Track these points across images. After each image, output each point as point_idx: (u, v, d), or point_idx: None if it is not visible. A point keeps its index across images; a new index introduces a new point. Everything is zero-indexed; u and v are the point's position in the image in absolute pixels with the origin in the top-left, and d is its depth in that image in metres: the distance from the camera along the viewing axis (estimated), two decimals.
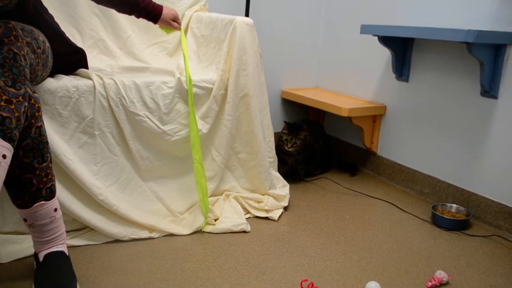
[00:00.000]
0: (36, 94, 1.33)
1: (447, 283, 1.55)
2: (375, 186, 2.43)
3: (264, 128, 2.09)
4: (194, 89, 1.90)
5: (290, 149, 2.38)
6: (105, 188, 1.74)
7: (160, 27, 2.01)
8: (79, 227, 1.75)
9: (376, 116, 2.57)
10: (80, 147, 1.71)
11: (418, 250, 1.77)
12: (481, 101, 2.01)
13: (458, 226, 1.95)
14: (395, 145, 2.48)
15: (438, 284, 1.52)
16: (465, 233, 1.93)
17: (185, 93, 1.88)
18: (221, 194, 2.04)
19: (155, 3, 1.91)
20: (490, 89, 1.94)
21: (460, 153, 2.12)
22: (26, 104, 1.26)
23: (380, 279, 1.54)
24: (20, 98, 1.24)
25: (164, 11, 1.93)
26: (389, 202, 2.22)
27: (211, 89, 1.94)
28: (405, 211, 2.12)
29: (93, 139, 1.73)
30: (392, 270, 1.61)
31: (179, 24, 2.02)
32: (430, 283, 1.52)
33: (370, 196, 2.28)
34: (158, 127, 1.82)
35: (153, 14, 1.91)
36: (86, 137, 1.72)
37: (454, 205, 2.08)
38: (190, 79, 1.86)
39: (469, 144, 2.08)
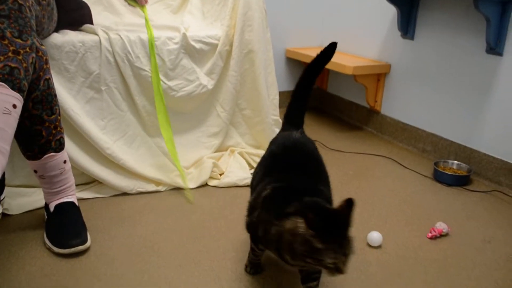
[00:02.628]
0: (43, 47, 1.34)
1: (446, 235, 1.59)
2: (378, 144, 2.46)
3: (268, 85, 2.10)
4: (199, 45, 1.90)
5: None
6: (112, 142, 1.77)
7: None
8: (87, 180, 1.79)
9: (380, 75, 2.57)
10: (87, 102, 1.73)
11: (420, 204, 1.81)
12: (486, 58, 2.00)
13: (459, 181, 1.99)
14: (398, 104, 2.49)
15: (438, 235, 1.56)
16: (466, 188, 1.96)
17: (191, 49, 1.88)
18: (226, 150, 2.07)
19: None
20: (495, 46, 1.93)
21: (463, 110, 2.13)
22: (34, 55, 1.27)
23: (382, 230, 1.58)
24: (27, 49, 1.24)
25: None
26: (392, 159, 2.25)
27: (216, 45, 1.94)
28: (407, 168, 2.15)
29: (100, 94, 1.75)
30: (393, 222, 1.66)
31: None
32: (430, 234, 1.56)
33: (373, 154, 2.31)
34: (163, 83, 1.83)
35: None
36: (92, 92, 1.73)
37: (456, 162, 2.11)
38: (152, 43, 1.81)
39: (472, 101, 2.09)
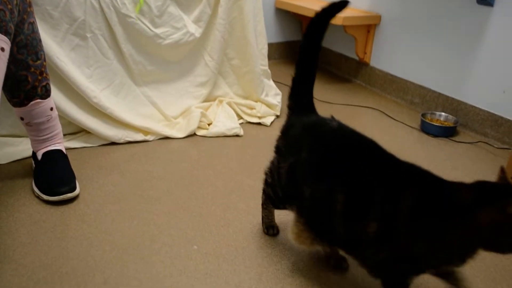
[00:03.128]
0: None
1: None
2: (366, 96, 2.46)
3: (257, 35, 2.07)
4: None
5: None
6: (99, 91, 1.74)
7: None
8: (74, 130, 1.78)
9: (370, 26, 2.54)
10: (72, 50, 1.69)
11: (406, 154, 1.80)
12: (477, 8, 1.98)
13: (446, 133, 2.01)
14: (388, 56, 2.48)
15: None
16: (452, 139, 1.99)
17: None
18: (214, 100, 2.06)
19: None
20: None
21: (452, 62, 2.13)
22: None
23: None
24: None
25: None
26: (380, 111, 2.25)
27: None
28: (395, 119, 2.16)
29: (85, 41, 1.70)
30: None
31: None
32: None
33: (362, 106, 2.31)
34: (150, 30, 1.79)
35: None
36: (78, 39, 1.69)
37: (443, 113, 2.12)
38: None
39: (461, 53, 2.08)
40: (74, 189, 1.40)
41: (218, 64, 2.01)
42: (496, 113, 1.97)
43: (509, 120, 1.92)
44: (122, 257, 1.18)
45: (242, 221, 1.35)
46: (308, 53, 1.12)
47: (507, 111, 1.92)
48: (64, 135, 1.71)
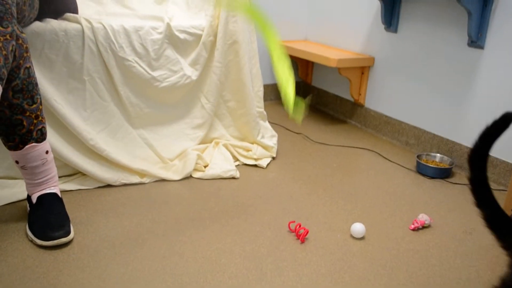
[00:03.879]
0: (23, 34, 1.32)
1: (429, 226, 1.61)
2: (362, 138, 2.48)
3: (253, 77, 2.10)
4: (183, 35, 1.89)
5: None
6: (96, 133, 1.75)
7: None
8: (70, 172, 1.77)
9: (364, 68, 2.58)
10: (69, 92, 1.71)
11: (402, 196, 1.83)
12: (468, 51, 2.02)
13: (441, 174, 2.01)
14: (382, 97, 2.51)
15: (420, 227, 1.58)
16: (448, 181, 1.99)
17: (175, 39, 1.87)
18: (210, 142, 2.06)
19: None
20: (477, 39, 1.96)
21: (445, 104, 2.16)
22: (14, 43, 1.24)
23: (365, 221, 1.60)
24: (8, 36, 1.22)
25: None
26: (375, 152, 2.27)
27: (200, 35, 1.93)
28: (390, 161, 2.17)
29: (83, 84, 1.72)
30: (376, 213, 1.67)
31: None
32: (413, 226, 1.58)
33: (357, 147, 2.32)
34: (147, 73, 1.81)
35: None
36: (75, 82, 1.71)
37: (438, 154, 2.13)
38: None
39: (454, 94, 2.11)
40: (68, 233, 1.38)
41: (214, 106, 2.03)
42: (491, 154, 1.97)
43: (504, 161, 1.93)
44: None
45: (237, 266, 1.33)
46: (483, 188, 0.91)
47: (502, 152, 1.94)
48: (60, 177, 1.70)
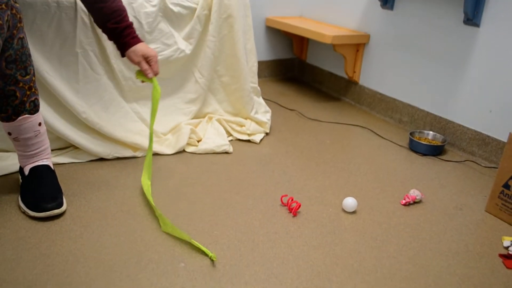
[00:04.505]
0: (17, 4, 1.30)
1: (420, 201, 1.62)
2: (355, 115, 2.48)
3: (247, 52, 2.09)
4: (177, 8, 1.86)
5: None
6: (88, 106, 1.74)
7: (136, 73, 1.60)
8: (63, 145, 1.76)
9: (359, 45, 2.57)
10: (61, 65, 1.69)
11: (394, 172, 1.84)
12: (464, 29, 2.02)
13: (434, 151, 2.02)
14: (376, 75, 2.50)
15: (411, 202, 1.60)
16: (440, 158, 2.00)
17: (169, 13, 1.85)
18: (203, 117, 2.06)
19: (136, 34, 1.54)
20: (473, 17, 1.95)
21: (440, 82, 2.16)
22: (9, 12, 1.23)
23: (357, 196, 1.61)
24: (3, 6, 1.20)
25: (138, 46, 1.52)
26: (369, 129, 2.27)
27: (195, 9, 1.91)
28: (383, 138, 2.18)
29: (75, 57, 1.70)
30: (368, 189, 1.68)
31: (154, 70, 1.57)
32: (404, 201, 1.60)
33: (351, 124, 2.33)
34: None
35: (125, 42, 1.51)
36: (68, 55, 1.69)
37: (431, 132, 2.14)
38: (151, 138, 1.58)
39: (449, 72, 2.11)
40: (61, 205, 1.39)
41: (208, 81, 2.02)
42: (483, 132, 1.99)
43: (496, 139, 1.94)
44: (108, 274, 1.16)
45: (229, 238, 1.34)
46: None
47: (494, 130, 1.95)
48: (52, 150, 1.70)
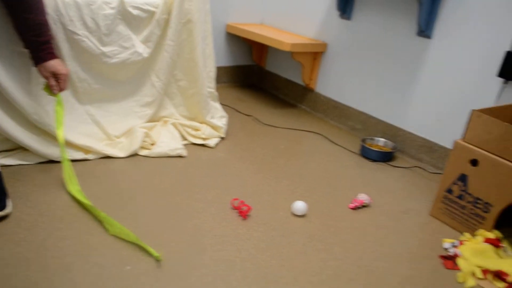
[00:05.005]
0: None
1: (368, 206, 1.67)
2: (311, 122, 2.52)
3: (206, 57, 2.10)
4: (136, 11, 1.86)
5: None
6: (40, 107, 1.71)
7: (44, 85, 1.61)
8: (11, 147, 1.72)
9: (316, 53, 2.62)
10: (13, 65, 1.65)
11: (345, 177, 1.88)
12: (416, 40, 2.09)
13: (384, 157, 2.08)
14: (332, 83, 2.56)
15: (359, 206, 1.64)
16: (390, 164, 2.06)
17: (128, 15, 1.84)
18: (159, 121, 2.06)
19: (54, 50, 1.57)
20: (425, 29, 2.02)
21: (392, 91, 2.23)
22: None
23: (308, 200, 1.64)
24: None
25: (51, 62, 1.54)
26: (323, 135, 2.32)
27: (154, 12, 1.91)
28: (336, 144, 2.23)
29: (28, 57, 1.67)
30: (319, 193, 1.72)
31: (61, 87, 1.59)
32: (352, 205, 1.64)
33: (305, 130, 2.37)
34: (97, 48, 1.78)
35: (40, 55, 1.53)
36: (20, 54, 1.66)
37: (382, 139, 2.21)
38: (63, 149, 1.58)
39: (401, 82, 2.18)
40: (3, 207, 1.36)
41: (165, 85, 2.02)
42: (431, 139, 2.06)
43: (442, 146, 2.01)
44: (51, 278, 1.14)
45: (178, 241, 1.34)
46: None
47: (441, 138, 2.02)
48: (0, 151, 1.66)
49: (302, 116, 2.60)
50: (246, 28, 2.80)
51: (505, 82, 1.86)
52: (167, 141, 1.92)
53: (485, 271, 1.40)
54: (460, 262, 1.43)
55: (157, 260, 1.24)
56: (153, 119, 2.04)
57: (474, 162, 1.56)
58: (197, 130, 2.07)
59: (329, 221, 1.54)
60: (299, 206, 1.53)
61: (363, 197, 1.65)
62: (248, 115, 2.49)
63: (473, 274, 1.39)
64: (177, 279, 1.19)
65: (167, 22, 1.95)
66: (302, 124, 2.46)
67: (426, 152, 2.08)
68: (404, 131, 2.17)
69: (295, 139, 2.24)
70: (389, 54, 2.22)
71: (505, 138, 1.49)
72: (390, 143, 2.18)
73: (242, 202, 1.52)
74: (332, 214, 1.59)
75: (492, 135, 1.52)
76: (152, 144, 1.92)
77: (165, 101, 2.08)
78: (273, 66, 3.00)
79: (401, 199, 1.75)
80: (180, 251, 1.30)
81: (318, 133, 2.34)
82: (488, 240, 1.51)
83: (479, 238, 1.53)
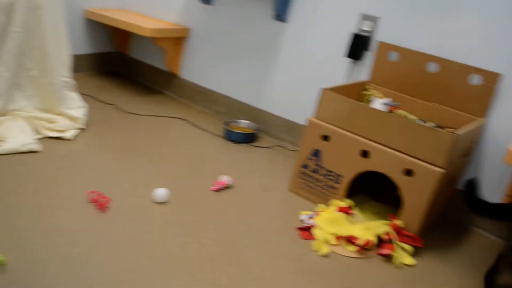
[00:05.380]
0: None
1: (230, 187, 1.72)
2: (176, 108, 2.51)
3: (58, 45, 1.98)
4: None
5: None
6: None
7: None
8: None
9: (179, 38, 2.60)
10: None
11: (209, 161, 1.91)
12: (273, 24, 2.18)
13: (247, 139, 2.15)
14: (197, 68, 2.57)
15: (222, 187, 1.68)
16: (252, 145, 2.14)
17: None
18: (8, 114, 1.90)
19: None
20: (281, 13, 2.11)
21: (253, 74, 2.30)
22: None
23: (170, 186, 1.64)
24: None
25: None
26: (188, 121, 2.33)
27: None
28: (202, 129, 2.25)
29: None
30: (181, 178, 1.73)
31: None
32: (214, 187, 1.67)
33: (170, 117, 2.35)
34: None
35: None
36: None
37: (245, 121, 2.28)
38: None
39: (261, 65, 2.26)
40: None
41: (13, 75, 1.87)
42: (290, 119, 2.17)
43: (300, 125, 2.14)
44: None
45: (28, 242, 1.26)
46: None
47: (298, 117, 2.14)
48: None
49: (167, 103, 2.58)
50: (106, 13, 2.68)
51: (354, 62, 2.01)
52: (18, 136, 1.78)
53: (338, 238, 1.53)
54: (315, 231, 1.54)
55: (2, 264, 1.16)
56: (2, 113, 1.88)
57: (325, 138, 1.67)
58: (52, 122, 1.95)
59: (190, 206, 1.56)
60: (160, 193, 1.53)
61: (225, 179, 1.69)
62: (110, 104, 2.40)
63: (327, 242, 1.51)
64: (27, 282, 1.12)
65: (13, 7, 1.80)
66: (167, 110, 2.44)
67: (286, 131, 2.19)
68: (265, 112, 2.26)
69: (160, 126, 2.22)
70: (249, 38, 2.28)
71: (351, 113, 1.63)
72: (253, 125, 2.25)
73: (100, 194, 1.48)
74: (194, 198, 1.61)
75: (340, 112, 1.65)
76: (1, 141, 1.77)
77: (15, 93, 1.93)
78: (136, 53, 2.93)
79: (262, 178, 1.83)
80: (30, 252, 1.22)
81: (183, 119, 2.34)
82: (340, 209, 1.64)
83: (333, 208, 1.66)
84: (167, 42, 2.57)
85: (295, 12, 2.09)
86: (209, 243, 1.37)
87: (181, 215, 1.49)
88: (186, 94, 2.63)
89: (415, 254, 1.51)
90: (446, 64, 1.79)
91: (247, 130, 2.23)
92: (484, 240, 1.73)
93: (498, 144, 1.72)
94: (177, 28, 2.55)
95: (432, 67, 1.82)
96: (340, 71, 2.02)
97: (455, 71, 1.78)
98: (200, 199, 1.61)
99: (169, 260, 1.27)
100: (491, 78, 1.70)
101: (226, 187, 1.71)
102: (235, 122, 2.27)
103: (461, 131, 1.50)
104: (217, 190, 1.68)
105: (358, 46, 1.96)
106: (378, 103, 1.82)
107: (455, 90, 1.79)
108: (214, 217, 1.51)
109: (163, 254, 1.29)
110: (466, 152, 1.70)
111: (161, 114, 2.37)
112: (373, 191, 1.82)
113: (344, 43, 2.00)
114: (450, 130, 1.46)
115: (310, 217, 1.60)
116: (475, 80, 1.73)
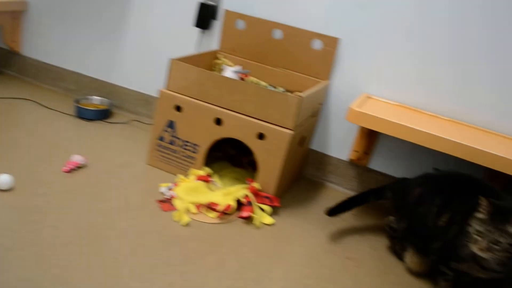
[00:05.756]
0: None
1: (84, 166, 1.65)
2: (20, 88, 2.31)
3: None
4: None
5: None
6: None
7: None
8: None
9: (16, 13, 2.37)
10: None
11: (59, 141, 1.81)
12: None
13: (100, 115, 2.07)
14: (41, 44, 2.38)
15: (74, 167, 1.61)
16: (107, 121, 2.06)
17: None
18: None
19: None
20: None
21: (102, 47, 2.19)
22: None
23: (16, 172, 1.52)
24: None
25: None
26: (34, 101, 2.16)
27: None
28: (50, 108, 2.11)
29: None
30: (28, 162, 1.61)
31: None
32: (66, 168, 1.59)
33: (13, 98, 2.16)
34: None
35: None
36: None
37: (98, 97, 2.18)
38: None
39: (111, 38, 2.16)
40: None
41: None
42: (144, 92, 2.13)
43: (154, 97, 2.11)
44: None
45: None
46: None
47: (152, 90, 2.11)
48: None
49: (9, 82, 2.36)
50: None
51: (202, 32, 2.02)
52: None
53: (198, 206, 1.55)
54: (175, 202, 1.54)
55: None
56: None
57: (178, 108, 1.67)
58: None
59: (41, 190, 1.46)
60: (2, 180, 1.41)
61: (77, 158, 1.61)
62: None
63: (188, 211, 1.53)
64: None
65: None
66: (9, 91, 2.23)
67: (143, 105, 2.14)
68: (119, 87, 2.19)
69: (4, 109, 2.02)
70: (94, 11, 2.16)
71: (202, 83, 1.64)
72: (106, 101, 2.17)
73: None
74: (44, 181, 1.51)
75: (191, 81, 1.65)
76: None
77: None
78: None
79: (119, 154, 1.78)
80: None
81: (28, 99, 2.17)
82: (200, 178, 1.67)
83: (192, 177, 1.68)
84: (3, 17, 2.34)
85: None
86: (64, 227, 1.31)
87: (31, 200, 1.40)
88: (30, 72, 2.43)
89: (274, 213, 1.60)
90: (290, 31, 1.88)
91: (100, 106, 2.14)
92: (336, 193, 1.89)
93: (341, 104, 1.87)
94: (11, 1, 2.32)
95: (277, 34, 1.90)
96: (190, 41, 2.02)
97: (298, 37, 1.88)
98: (52, 182, 1.52)
99: (18, 249, 1.19)
100: (331, 43, 1.83)
101: (79, 167, 1.63)
102: (87, 99, 2.16)
103: (305, 93, 1.60)
104: (69, 171, 1.59)
105: (206, 15, 1.98)
106: (229, 71, 1.86)
107: (299, 55, 1.89)
108: (67, 199, 1.44)
109: (12, 245, 1.20)
110: (314, 113, 1.83)
111: (4, 96, 2.16)
112: (232, 157, 1.88)
113: (192, 13, 1.99)
114: (298, 93, 1.55)
115: (170, 189, 1.61)
116: (317, 45, 1.84)
